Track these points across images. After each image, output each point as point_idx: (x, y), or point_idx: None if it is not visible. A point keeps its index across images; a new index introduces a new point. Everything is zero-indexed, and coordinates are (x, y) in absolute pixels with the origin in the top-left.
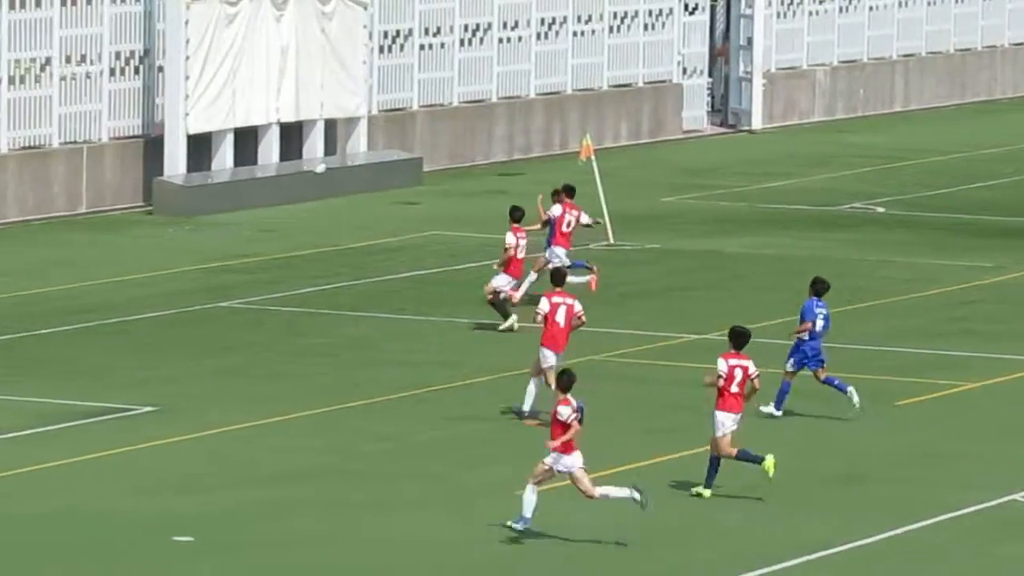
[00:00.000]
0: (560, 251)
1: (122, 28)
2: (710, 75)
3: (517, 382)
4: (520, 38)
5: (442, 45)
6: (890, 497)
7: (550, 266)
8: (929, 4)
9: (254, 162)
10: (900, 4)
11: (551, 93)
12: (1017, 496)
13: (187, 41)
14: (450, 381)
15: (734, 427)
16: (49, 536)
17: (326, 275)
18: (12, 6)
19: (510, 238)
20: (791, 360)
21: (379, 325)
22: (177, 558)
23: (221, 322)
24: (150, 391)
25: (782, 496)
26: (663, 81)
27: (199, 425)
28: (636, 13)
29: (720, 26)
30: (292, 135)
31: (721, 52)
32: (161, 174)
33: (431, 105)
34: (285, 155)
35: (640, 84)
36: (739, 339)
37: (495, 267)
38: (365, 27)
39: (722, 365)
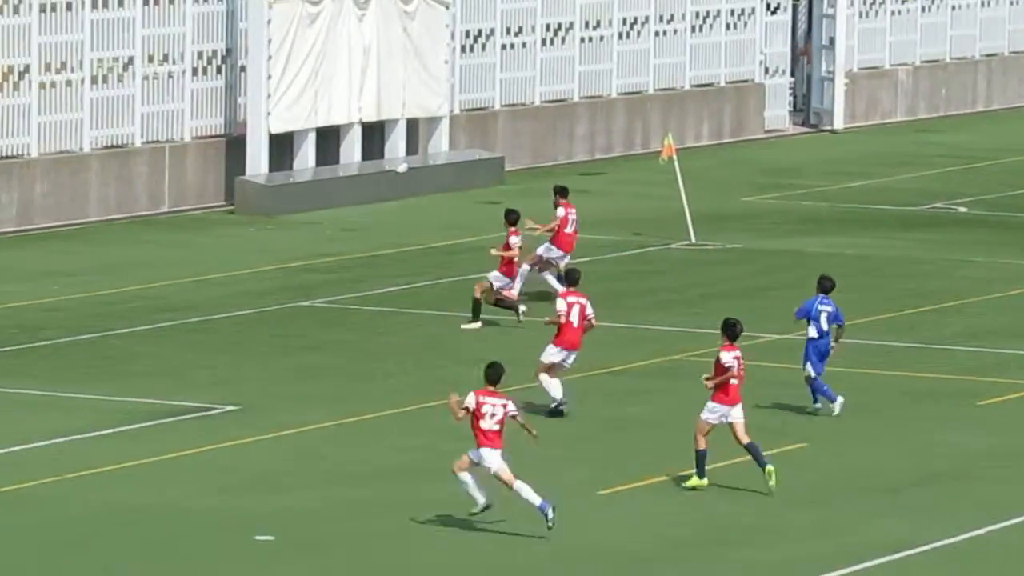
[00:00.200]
0: (558, 251)
1: (205, 27)
2: (792, 75)
3: (595, 382)
4: (602, 37)
5: (524, 44)
6: (971, 497)
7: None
8: (1012, 3)
9: (336, 162)
10: (983, 3)
11: (633, 93)
12: None
13: (269, 41)
14: (530, 380)
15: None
16: (132, 533)
17: (407, 274)
18: (95, 6)
19: (515, 240)
20: (807, 364)
21: (460, 324)
22: (258, 557)
23: (302, 321)
24: (231, 390)
25: (861, 495)
26: (745, 81)
27: (280, 424)
28: (718, 13)
29: (802, 26)
30: (374, 134)
31: (804, 52)
32: (243, 173)
33: (513, 104)
34: (367, 155)
35: (722, 84)
36: (732, 329)
37: (492, 253)
38: (447, 26)
39: (727, 358)
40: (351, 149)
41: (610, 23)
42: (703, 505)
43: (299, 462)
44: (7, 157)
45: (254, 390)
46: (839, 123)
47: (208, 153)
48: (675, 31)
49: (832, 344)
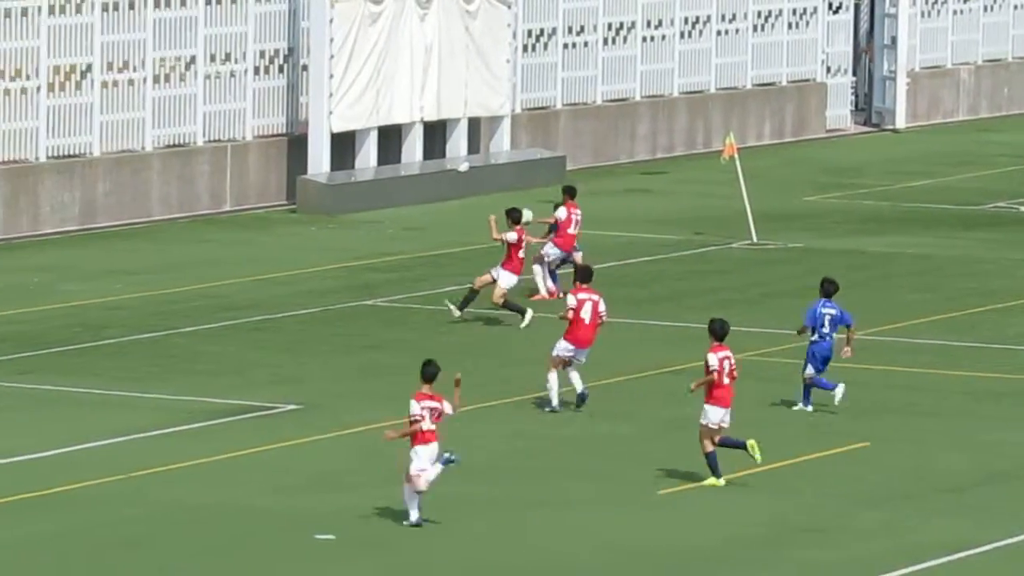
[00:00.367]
0: (556, 251)
1: (266, 27)
2: (854, 74)
3: (656, 381)
4: (664, 37)
5: (585, 44)
6: None
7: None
8: None
9: (397, 161)
10: None
11: (694, 92)
12: None
13: (331, 40)
14: (596, 379)
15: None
16: (191, 532)
17: (469, 274)
18: (158, 5)
19: (511, 236)
20: (808, 367)
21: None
22: (319, 556)
23: (364, 320)
24: (293, 389)
25: (923, 495)
26: (807, 80)
27: (341, 423)
28: (780, 12)
29: (864, 25)
30: (436, 134)
31: (867, 51)
32: (305, 172)
33: (574, 104)
34: (428, 154)
35: (784, 83)
36: (719, 330)
37: (492, 236)
38: (509, 26)
39: (712, 359)
40: (413, 148)
41: (672, 22)
42: (764, 505)
43: (361, 461)
44: (70, 156)
45: (316, 389)
46: (901, 122)
47: (270, 152)
48: (737, 30)
49: (846, 348)
